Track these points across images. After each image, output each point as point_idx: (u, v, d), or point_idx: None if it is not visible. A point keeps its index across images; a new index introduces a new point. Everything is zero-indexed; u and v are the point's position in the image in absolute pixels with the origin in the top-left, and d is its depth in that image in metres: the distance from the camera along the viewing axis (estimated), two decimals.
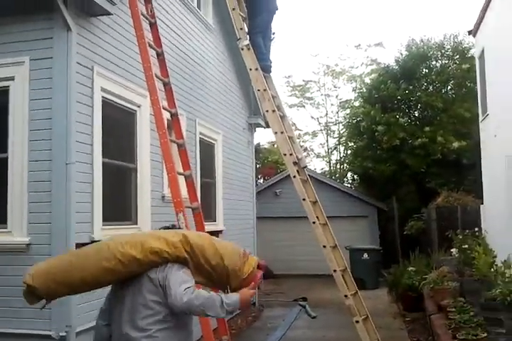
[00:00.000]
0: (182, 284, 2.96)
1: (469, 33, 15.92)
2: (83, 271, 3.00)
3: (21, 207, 5.20)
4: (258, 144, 25.91)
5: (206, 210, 9.10)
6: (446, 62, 21.11)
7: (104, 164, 5.82)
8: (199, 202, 5.77)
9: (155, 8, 7.12)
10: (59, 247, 5.06)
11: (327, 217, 7.39)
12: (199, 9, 9.56)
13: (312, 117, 31.25)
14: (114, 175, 6.32)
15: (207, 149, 9.50)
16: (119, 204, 6.50)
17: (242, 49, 8.05)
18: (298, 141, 29.73)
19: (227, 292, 3.14)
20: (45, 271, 3.10)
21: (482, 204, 14.39)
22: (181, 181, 5.99)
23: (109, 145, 6.01)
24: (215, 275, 3.15)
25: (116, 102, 6.28)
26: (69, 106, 5.15)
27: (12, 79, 5.33)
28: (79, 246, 5.19)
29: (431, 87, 20.92)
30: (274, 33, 22.69)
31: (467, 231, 12.25)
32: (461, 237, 11.51)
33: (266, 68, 7.99)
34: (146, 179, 6.80)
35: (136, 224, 6.66)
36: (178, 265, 3.06)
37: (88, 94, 5.56)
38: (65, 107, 5.14)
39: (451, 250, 12.06)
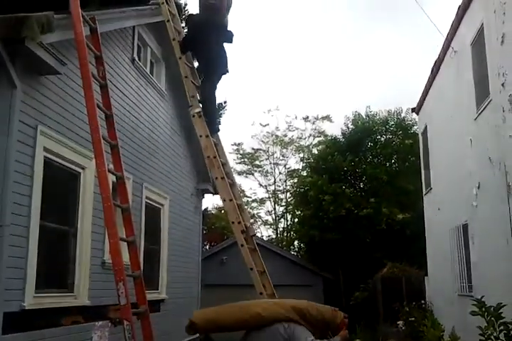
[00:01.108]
0: (308, 337, 4.19)
1: (412, 110, 16.70)
2: (228, 319, 4.39)
3: None
4: (206, 209, 25.65)
5: (149, 278, 8.72)
6: (391, 136, 21.95)
7: (41, 227, 5.51)
8: (141, 270, 5.48)
9: (107, 71, 7.10)
10: None
11: (275, 286, 7.19)
12: (152, 75, 9.63)
13: (260, 185, 31.46)
14: (52, 238, 5.99)
15: (153, 214, 9.26)
16: (55, 270, 6.12)
17: (194, 116, 8.05)
18: (246, 207, 29.71)
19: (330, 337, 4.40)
20: (205, 313, 4.59)
21: (426, 275, 14.49)
22: (124, 247, 5.72)
23: (48, 208, 5.72)
24: (319, 327, 4.39)
25: (59, 163, 6.06)
26: (7, 165, 4.90)
27: None
28: (7, 315, 4.80)
29: (376, 160, 21.56)
30: (226, 102, 23.20)
31: (413, 303, 12.21)
32: (407, 309, 11.45)
33: (215, 130, 8.03)
34: (86, 244, 6.48)
35: (72, 291, 6.27)
36: (297, 324, 4.28)
37: (29, 153, 5.33)
38: (3, 166, 4.89)
39: (398, 322, 11.94)
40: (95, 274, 6.65)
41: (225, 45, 8.19)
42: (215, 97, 8.25)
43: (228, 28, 8.22)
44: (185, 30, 8.62)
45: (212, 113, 7.99)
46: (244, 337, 4.48)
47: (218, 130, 8.15)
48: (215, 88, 8.25)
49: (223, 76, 8.25)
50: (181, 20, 9.01)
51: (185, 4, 17.01)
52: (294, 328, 4.22)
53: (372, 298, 16.11)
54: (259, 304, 4.58)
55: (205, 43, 7.91)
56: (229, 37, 8.14)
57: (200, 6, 8.17)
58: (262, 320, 4.28)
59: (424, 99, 14.28)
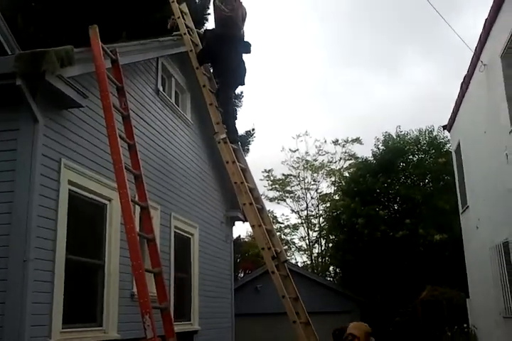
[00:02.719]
0: None
1: (444, 127, 16.39)
2: None
3: None
4: (238, 237, 25.50)
5: (180, 308, 8.60)
6: (423, 156, 21.55)
7: (67, 261, 5.46)
8: (168, 301, 5.37)
9: (131, 102, 7.15)
10: None
11: (309, 313, 6.98)
12: (177, 105, 9.66)
13: (292, 210, 31.17)
14: (79, 272, 5.93)
15: (182, 243, 9.16)
16: (83, 304, 6.04)
17: (219, 142, 8.05)
18: (278, 234, 29.47)
19: None
20: None
21: (468, 298, 13.97)
22: (151, 279, 5.62)
23: (74, 241, 5.69)
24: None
25: (84, 196, 6.04)
26: (31, 199, 4.90)
27: None
28: None
29: (409, 181, 21.15)
30: (254, 129, 23.18)
31: (456, 327, 11.75)
32: (449, 334, 11.01)
33: (234, 140, 8.16)
34: (114, 276, 6.40)
35: (101, 326, 6.17)
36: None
37: (54, 187, 5.33)
38: (27, 201, 4.88)
39: None
40: (124, 307, 6.56)
41: (245, 56, 8.46)
42: (232, 107, 8.56)
43: (245, 40, 8.48)
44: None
45: (230, 122, 8.16)
46: None
47: (237, 140, 8.34)
48: (231, 98, 8.61)
49: (240, 86, 8.71)
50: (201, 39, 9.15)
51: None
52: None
53: (413, 323, 15.58)
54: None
55: (224, 56, 8.19)
56: (247, 47, 8.47)
57: (215, 21, 8.48)
58: None
59: (456, 116, 14.02)
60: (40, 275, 4.95)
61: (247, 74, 8.42)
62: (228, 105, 8.31)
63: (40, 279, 4.96)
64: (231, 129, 8.11)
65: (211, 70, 9.02)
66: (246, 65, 8.42)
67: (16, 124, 5.10)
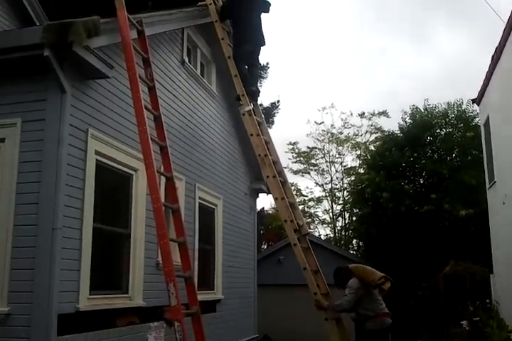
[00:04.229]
0: None
1: (473, 101, 16.06)
2: None
3: (2, 274, 4.91)
4: (262, 209, 25.67)
5: (204, 278, 8.76)
6: (451, 130, 21.18)
7: (94, 229, 5.58)
8: (192, 270, 5.48)
9: (157, 73, 7.16)
10: (40, 318, 4.75)
11: (330, 285, 7.08)
12: (203, 77, 9.65)
13: (317, 183, 31.15)
14: (106, 240, 6.07)
15: (206, 214, 9.26)
16: (109, 271, 6.20)
17: (244, 114, 8.05)
18: (302, 207, 29.48)
19: None
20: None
21: (492, 273, 13.92)
22: (175, 248, 5.72)
23: (101, 210, 5.81)
24: None
25: (111, 166, 6.12)
26: (59, 168, 4.99)
27: (2, 140, 5.21)
28: (62, 317, 4.88)
29: (436, 155, 20.87)
30: (279, 101, 22.81)
31: (478, 302, 11.75)
32: (471, 309, 11.03)
33: (252, 93, 8.21)
34: (139, 245, 6.53)
35: (127, 293, 6.33)
36: None
37: (81, 157, 5.41)
38: (55, 170, 4.97)
39: (462, 322, 11.51)
40: (149, 275, 6.70)
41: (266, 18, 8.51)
42: (251, 62, 8.52)
43: None
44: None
45: (247, 77, 8.21)
46: None
47: (257, 97, 8.41)
48: (253, 54, 8.54)
49: (262, 48, 8.60)
50: None
51: None
52: None
53: (435, 297, 15.62)
54: None
55: (244, 12, 8.32)
56: (266, 6, 8.60)
57: None
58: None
59: (486, 89, 13.72)
60: (68, 242, 5.07)
61: (264, 34, 8.53)
62: (244, 60, 8.35)
63: (68, 247, 5.09)
64: (248, 82, 8.17)
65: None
66: (262, 25, 8.52)
67: (43, 95, 5.17)
